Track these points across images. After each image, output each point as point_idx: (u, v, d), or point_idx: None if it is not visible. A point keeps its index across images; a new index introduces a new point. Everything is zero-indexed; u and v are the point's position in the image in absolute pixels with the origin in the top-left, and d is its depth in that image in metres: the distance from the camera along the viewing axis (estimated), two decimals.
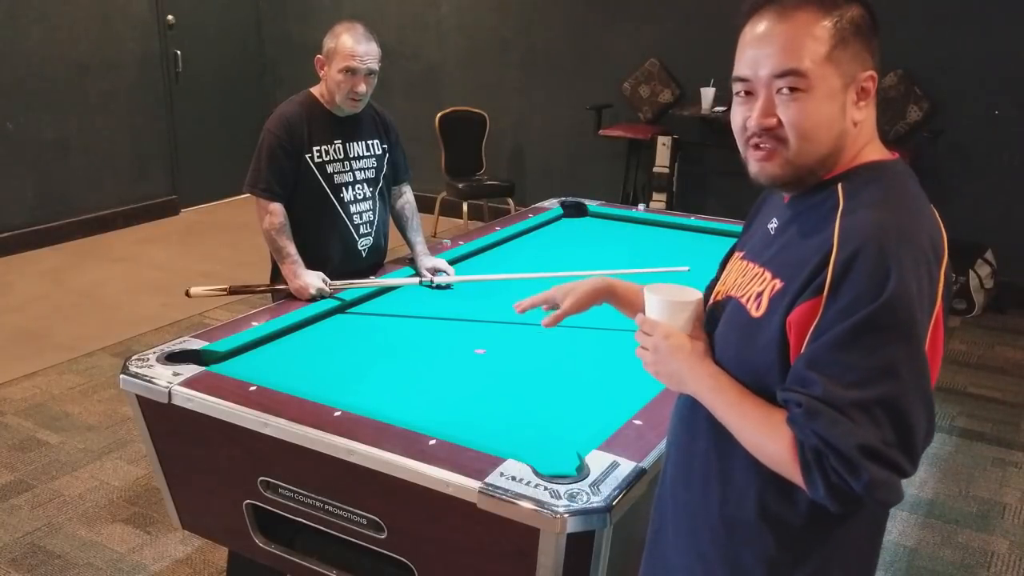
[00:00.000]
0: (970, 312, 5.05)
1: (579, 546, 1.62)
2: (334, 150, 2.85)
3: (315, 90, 2.88)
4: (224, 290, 2.77)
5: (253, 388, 2.05)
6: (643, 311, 1.39)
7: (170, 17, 6.71)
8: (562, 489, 1.63)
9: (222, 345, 2.33)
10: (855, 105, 1.23)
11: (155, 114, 6.75)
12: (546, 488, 1.63)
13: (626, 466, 1.71)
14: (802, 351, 1.16)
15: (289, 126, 2.78)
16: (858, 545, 1.29)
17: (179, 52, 6.80)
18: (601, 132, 5.95)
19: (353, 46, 2.73)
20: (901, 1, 5.08)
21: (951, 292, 1.23)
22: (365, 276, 2.89)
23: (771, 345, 1.21)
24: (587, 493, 1.62)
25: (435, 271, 2.90)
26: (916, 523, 3.14)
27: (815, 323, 1.15)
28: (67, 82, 6.15)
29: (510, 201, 6.23)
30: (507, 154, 6.71)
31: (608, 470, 1.69)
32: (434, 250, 3.11)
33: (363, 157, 2.93)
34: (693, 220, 3.68)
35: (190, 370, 2.15)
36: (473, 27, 6.65)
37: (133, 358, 2.21)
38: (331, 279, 2.73)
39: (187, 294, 2.77)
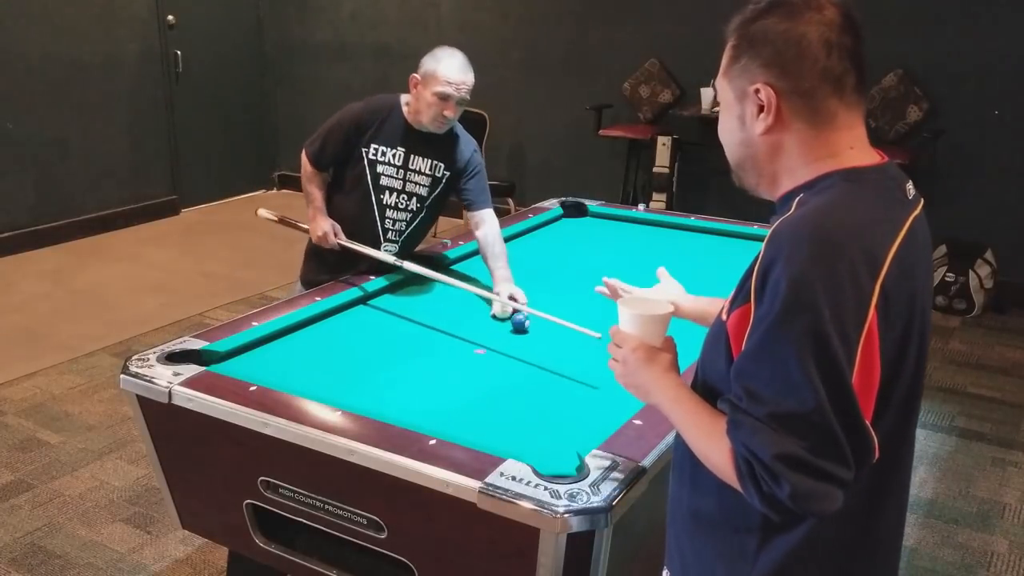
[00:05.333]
0: (970, 312, 5.05)
1: (579, 546, 1.62)
2: (392, 155, 2.88)
3: (406, 97, 2.90)
4: (279, 219, 3.16)
5: (253, 388, 2.05)
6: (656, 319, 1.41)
7: (170, 17, 6.70)
8: (562, 489, 1.62)
9: (222, 345, 2.33)
10: (755, 118, 1.23)
11: (155, 114, 6.75)
12: (546, 488, 1.63)
13: (626, 466, 1.71)
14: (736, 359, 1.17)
15: (360, 118, 2.89)
16: (830, 548, 1.23)
17: (179, 52, 6.79)
18: (601, 132, 5.95)
19: (455, 74, 2.75)
20: (901, 1, 5.09)
21: (902, 306, 1.15)
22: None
23: (721, 347, 1.22)
24: (587, 493, 1.62)
25: (511, 298, 2.66)
26: (916, 523, 3.14)
27: (747, 331, 1.15)
28: (67, 82, 6.14)
29: (510, 201, 6.23)
30: (507, 154, 6.70)
31: (608, 470, 1.69)
32: (434, 250, 3.10)
33: (421, 173, 2.92)
34: (693, 220, 3.68)
35: (190, 370, 2.15)
36: (473, 27, 6.64)
37: (133, 358, 2.21)
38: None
39: (256, 213, 3.21)
